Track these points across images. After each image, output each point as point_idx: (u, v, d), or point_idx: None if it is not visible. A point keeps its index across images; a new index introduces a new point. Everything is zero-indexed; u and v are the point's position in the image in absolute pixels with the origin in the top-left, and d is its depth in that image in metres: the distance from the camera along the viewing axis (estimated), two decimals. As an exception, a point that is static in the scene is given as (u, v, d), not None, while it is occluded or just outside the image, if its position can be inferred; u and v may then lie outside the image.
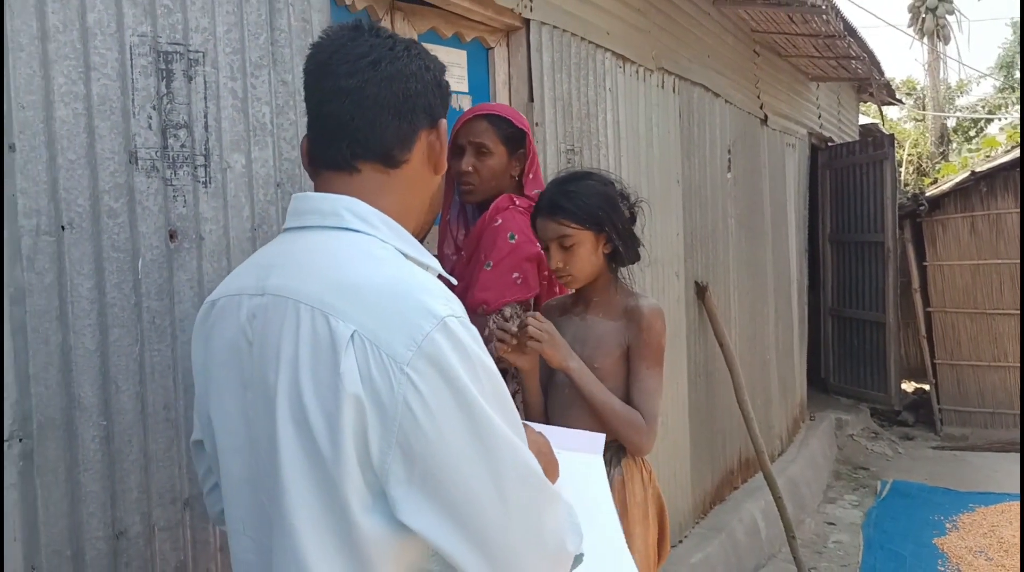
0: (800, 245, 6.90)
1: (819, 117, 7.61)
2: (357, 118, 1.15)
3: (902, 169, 11.84)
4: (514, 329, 1.89)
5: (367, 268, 1.06)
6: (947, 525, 5.30)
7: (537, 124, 2.96)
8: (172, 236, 1.61)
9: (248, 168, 1.76)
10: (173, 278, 1.60)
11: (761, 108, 5.73)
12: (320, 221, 1.13)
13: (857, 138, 8.85)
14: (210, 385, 1.15)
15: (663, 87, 4.06)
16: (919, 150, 11.91)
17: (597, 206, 1.94)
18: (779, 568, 4.45)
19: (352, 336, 0.99)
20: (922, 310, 7.75)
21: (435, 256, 2.35)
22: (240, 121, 1.75)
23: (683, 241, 4.27)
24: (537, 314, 1.92)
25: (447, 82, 1.25)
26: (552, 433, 1.57)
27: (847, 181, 7.73)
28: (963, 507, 5.60)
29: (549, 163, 3.02)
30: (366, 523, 1.00)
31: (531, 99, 2.95)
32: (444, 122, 1.22)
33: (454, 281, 1.27)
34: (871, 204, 7.44)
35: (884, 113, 13.99)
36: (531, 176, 2.37)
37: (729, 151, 5.06)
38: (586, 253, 1.94)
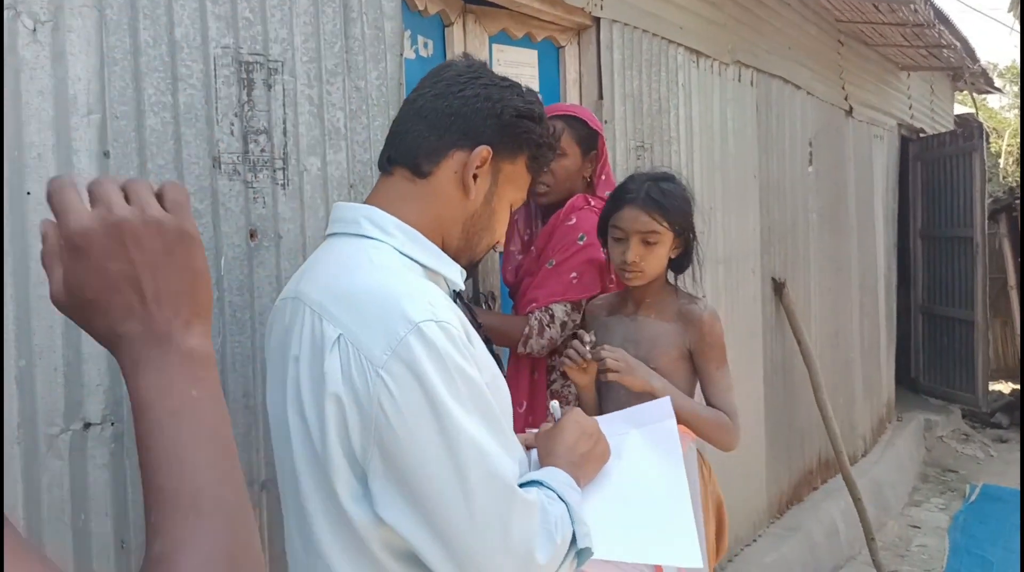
0: (888, 240, 6.71)
1: (910, 107, 7.37)
2: (402, 125, 1.28)
3: (1001, 160, 11.33)
4: (588, 356, 1.88)
5: (362, 274, 1.15)
6: (1040, 532, 5.09)
7: (606, 121, 2.99)
8: (252, 235, 1.71)
9: (323, 171, 1.85)
10: (253, 274, 1.70)
11: (846, 99, 5.60)
12: (343, 228, 1.25)
13: (952, 128, 8.53)
14: (269, 375, 1.25)
15: (739, 81, 4.03)
16: (1020, 140, 11.36)
17: (686, 212, 1.99)
18: (858, 570, 4.37)
19: (338, 338, 1.09)
20: (1018, 308, 7.42)
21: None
22: (316, 126, 1.85)
23: (759, 237, 4.23)
24: (608, 347, 1.89)
25: (526, 125, 1.30)
26: (619, 416, 1.61)
27: (938, 173, 7.48)
28: (1059, 514, 5.38)
29: (619, 160, 3.05)
30: (354, 510, 1.10)
31: (600, 97, 2.97)
32: (486, 151, 1.26)
33: (461, 285, 1.32)
34: (961, 197, 7.18)
35: (985, 102, 13.42)
36: (603, 177, 2.41)
37: (810, 144, 4.97)
38: (663, 253, 1.96)
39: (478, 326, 1.88)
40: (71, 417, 1.39)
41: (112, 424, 1.45)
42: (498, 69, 2.91)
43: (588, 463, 1.34)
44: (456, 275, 1.28)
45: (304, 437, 1.14)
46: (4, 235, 1.32)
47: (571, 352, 1.90)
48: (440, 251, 1.27)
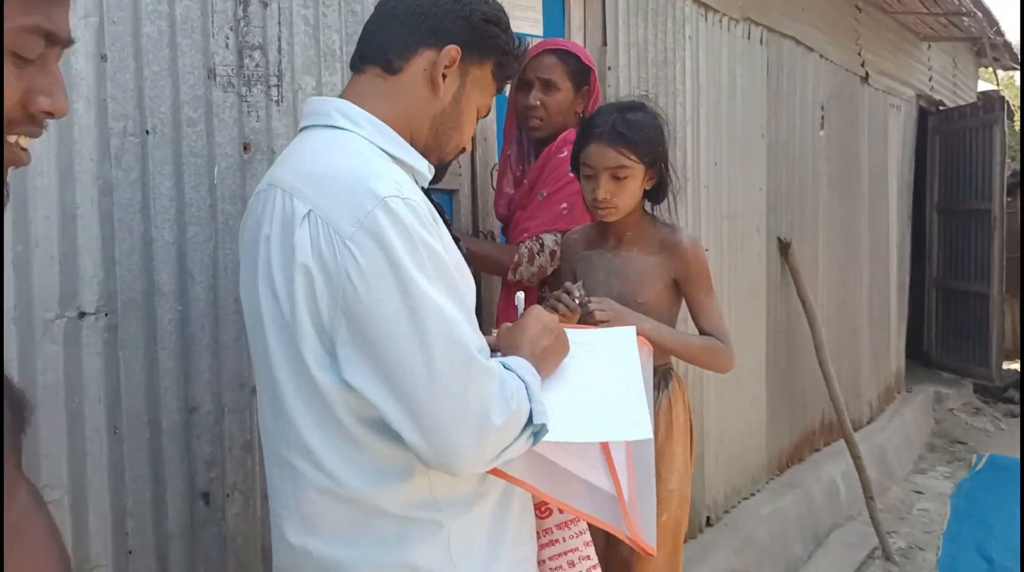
0: (903, 212, 6.67)
1: (930, 79, 7.29)
2: (373, 24, 1.33)
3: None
4: (574, 306, 1.86)
5: (332, 158, 1.21)
6: (1045, 500, 5.09)
7: (610, 68, 3.02)
8: (246, 148, 1.77)
9: (318, 90, 1.90)
10: (246, 186, 1.76)
11: (862, 66, 5.56)
12: (316, 120, 1.30)
13: (980, 101, 8.42)
14: (242, 268, 1.31)
15: (749, 38, 4.03)
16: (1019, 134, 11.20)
17: (656, 142, 1.93)
18: (857, 529, 4.40)
19: (307, 214, 1.15)
20: (1034, 284, 7.37)
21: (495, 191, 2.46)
22: (311, 47, 1.90)
23: (766, 196, 4.24)
24: (595, 298, 1.87)
25: (492, 30, 1.34)
26: (584, 330, 1.66)
27: (956, 147, 7.41)
28: (1065, 485, 5.37)
29: (622, 107, 3.07)
30: (322, 378, 1.16)
31: (604, 43, 3.00)
32: (454, 51, 1.31)
33: (428, 177, 1.36)
34: (980, 171, 7.12)
35: (1012, 80, 13.22)
36: (594, 112, 2.44)
37: (822, 108, 4.95)
38: (635, 187, 1.92)
39: (448, 225, 1.96)
40: (66, 305, 1.46)
41: (106, 315, 1.52)
42: (501, 12, 2.93)
43: (549, 356, 1.39)
44: (423, 167, 1.33)
45: (274, 310, 1.19)
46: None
47: (559, 305, 1.89)
48: (408, 144, 1.31)
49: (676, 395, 2.04)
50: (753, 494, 4.16)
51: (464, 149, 1.46)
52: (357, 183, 1.15)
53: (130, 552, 1.57)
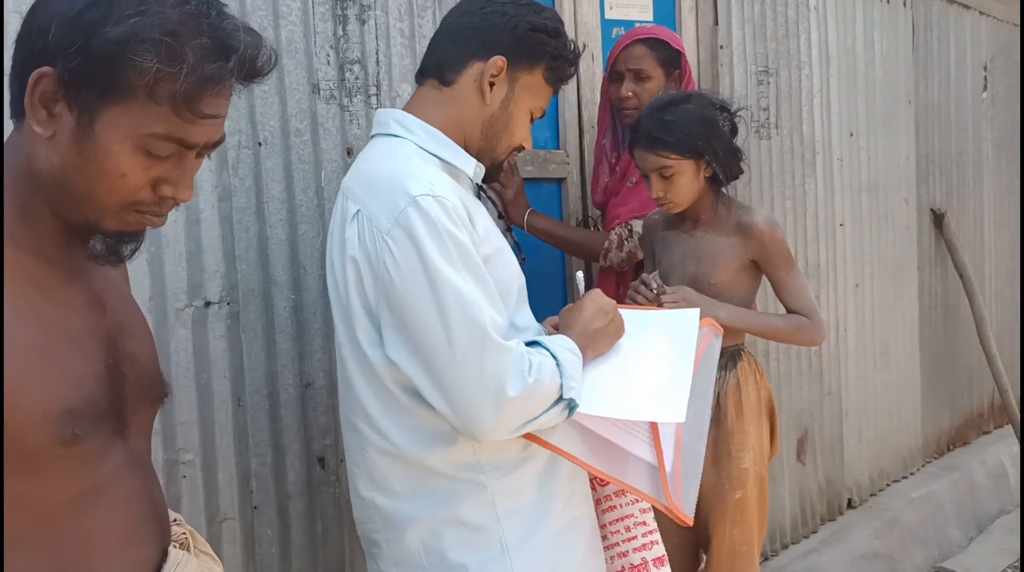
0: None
1: None
2: (433, 42, 1.50)
3: None
4: (651, 296, 1.93)
5: (380, 162, 1.40)
6: None
7: (722, 47, 3.02)
8: (349, 152, 1.98)
9: (414, 95, 2.08)
10: (349, 186, 1.96)
11: (1035, 18, 5.12)
12: (380, 130, 1.49)
13: None
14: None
15: (889, 3, 3.85)
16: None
17: (696, 135, 1.93)
18: (1028, 516, 4.13)
19: (356, 213, 1.33)
20: None
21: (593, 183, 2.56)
22: (408, 56, 2.08)
23: (915, 165, 4.04)
24: (669, 289, 1.95)
25: (539, 37, 1.47)
26: (648, 311, 1.75)
27: None
28: None
29: (737, 86, 3.07)
30: (371, 353, 1.35)
31: (716, 22, 3.00)
32: (501, 61, 1.44)
33: (470, 174, 1.49)
34: None
35: None
36: (690, 94, 2.48)
37: (985, 68, 4.63)
38: (687, 181, 1.95)
39: (502, 217, 2.10)
40: (194, 295, 1.72)
41: (228, 303, 1.78)
42: (610, 1, 3.02)
43: (602, 336, 1.49)
44: (469, 168, 1.47)
45: (336, 296, 1.41)
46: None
47: (638, 296, 1.97)
48: (458, 147, 1.46)
49: (746, 375, 2.06)
50: (905, 477, 4.01)
51: (523, 147, 1.59)
52: (395, 184, 1.32)
53: (255, 507, 1.82)
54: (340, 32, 1.96)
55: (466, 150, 1.49)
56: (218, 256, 1.76)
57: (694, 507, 1.48)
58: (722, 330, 1.77)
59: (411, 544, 1.41)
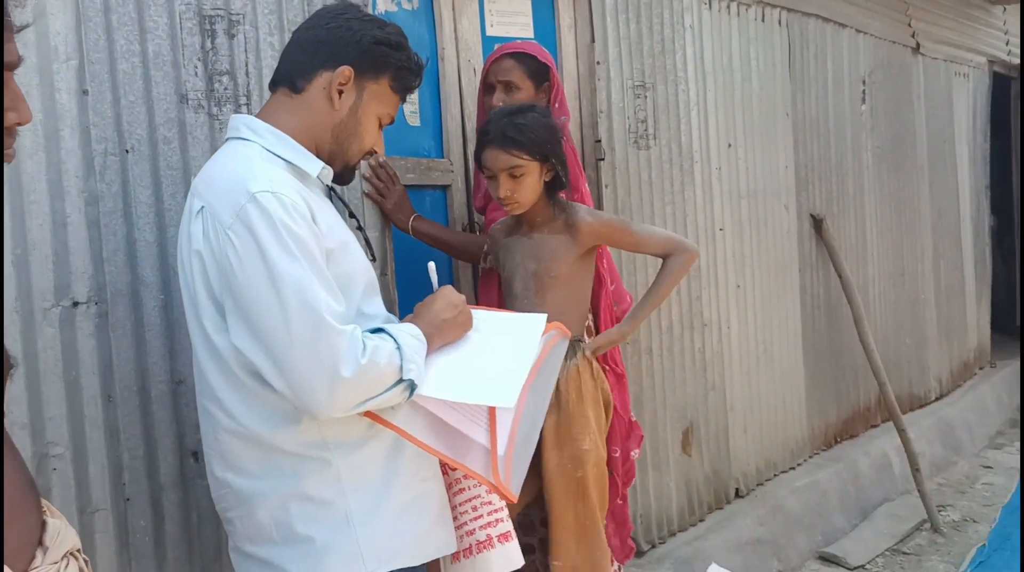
0: (978, 182, 6.47)
1: (1007, 43, 7.02)
2: (283, 53, 1.63)
3: None
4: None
5: (225, 163, 1.51)
6: (1125, 474, 4.88)
7: (599, 63, 3.20)
8: (219, 159, 2.07)
9: (286, 105, 2.19)
10: (220, 191, 2.06)
11: (912, 36, 5.47)
12: (231, 134, 1.60)
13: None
14: None
15: (763, 21, 4.10)
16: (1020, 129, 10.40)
17: (545, 139, 2.12)
18: (908, 503, 4.38)
19: (200, 209, 1.45)
20: None
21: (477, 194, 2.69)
22: (278, 68, 2.19)
23: (794, 173, 4.29)
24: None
25: (382, 50, 1.60)
26: (500, 314, 1.88)
27: (1042, 111, 7.09)
28: None
29: (615, 99, 3.25)
30: (218, 340, 1.46)
31: (592, 40, 3.18)
32: (348, 71, 1.57)
33: (316, 175, 1.60)
34: (1068, 134, 6.80)
35: None
36: (557, 105, 2.63)
37: (864, 83, 4.93)
38: (533, 182, 2.13)
39: (352, 214, 2.22)
40: (61, 296, 1.80)
41: (96, 303, 1.86)
42: (491, 19, 3.17)
43: (449, 328, 1.63)
44: (314, 169, 1.58)
45: (186, 287, 1.52)
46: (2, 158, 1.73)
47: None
48: (303, 149, 1.57)
49: (583, 365, 2.23)
50: (793, 468, 4.22)
51: (374, 151, 1.72)
52: (236, 182, 1.43)
53: (128, 499, 1.89)
54: (208, 45, 2.06)
55: (318, 154, 1.60)
56: (85, 258, 1.84)
57: (520, 488, 1.62)
58: (570, 333, 1.93)
59: (262, 519, 1.51)
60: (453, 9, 2.88)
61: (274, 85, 1.64)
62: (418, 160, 2.76)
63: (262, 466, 1.49)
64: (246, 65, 2.13)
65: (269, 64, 2.16)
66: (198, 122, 2.04)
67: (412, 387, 1.47)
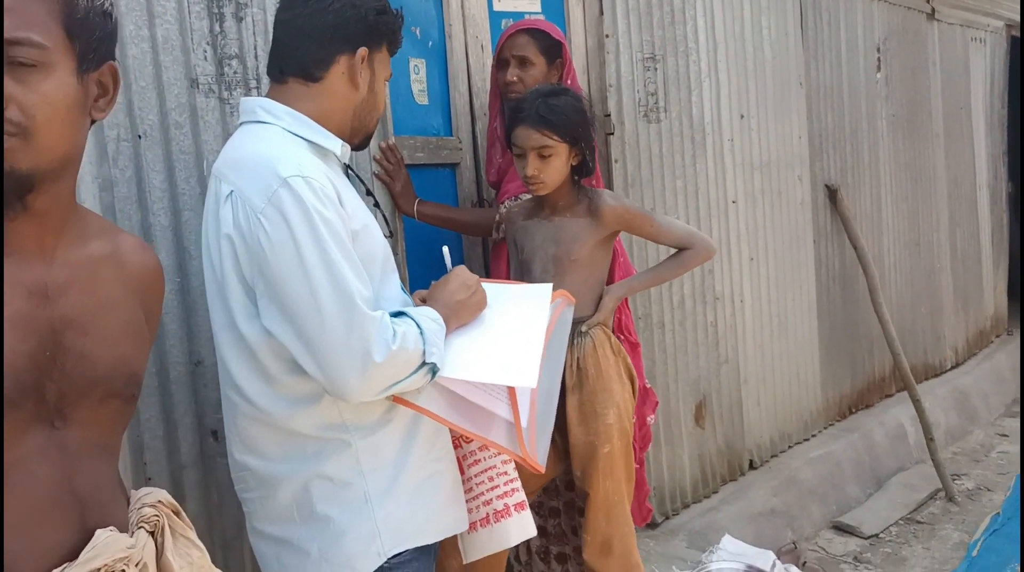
0: (995, 149, 6.40)
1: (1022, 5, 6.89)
2: (288, 43, 1.59)
3: None
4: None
5: (250, 146, 1.50)
6: None
7: (608, 36, 3.18)
8: (231, 142, 2.09)
9: (295, 87, 2.20)
10: (232, 175, 2.08)
11: (928, 1, 5.39)
12: (246, 117, 1.59)
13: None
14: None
15: (775, -11, 4.05)
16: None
17: (577, 122, 2.15)
18: (923, 472, 4.39)
19: (229, 194, 1.44)
20: None
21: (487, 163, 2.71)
22: (287, 50, 2.20)
23: (807, 144, 4.26)
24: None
25: (384, 20, 1.61)
26: (507, 285, 1.90)
27: (1061, 75, 6.98)
28: None
29: (623, 72, 3.24)
30: (245, 327, 1.46)
31: (601, 12, 3.16)
32: (364, 51, 1.58)
33: (338, 152, 1.61)
34: (1087, 98, 6.70)
35: None
36: (568, 82, 2.64)
37: (878, 50, 4.87)
38: (560, 164, 2.15)
39: (370, 193, 2.21)
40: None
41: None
42: (499, -9, 3.15)
43: (464, 309, 1.64)
44: (337, 148, 1.59)
45: (211, 274, 1.52)
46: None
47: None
48: (323, 129, 1.57)
49: (600, 339, 2.24)
50: (807, 439, 4.24)
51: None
52: (266, 166, 1.43)
53: (149, 478, 1.94)
54: (217, 29, 2.07)
55: (339, 135, 1.60)
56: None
57: (546, 457, 1.64)
58: (575, 300, 1.95)
59: (283, 500, 1.54)
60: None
61: (281, 74, 1.61)
62: (427, 139, 2.76)
63: (282, 449, 1.52)
64: (255, 48, 2.13)
65: (278, 46, 2.17)
66: (209, 106, 2.05)
67: (434, 370, 1.49)
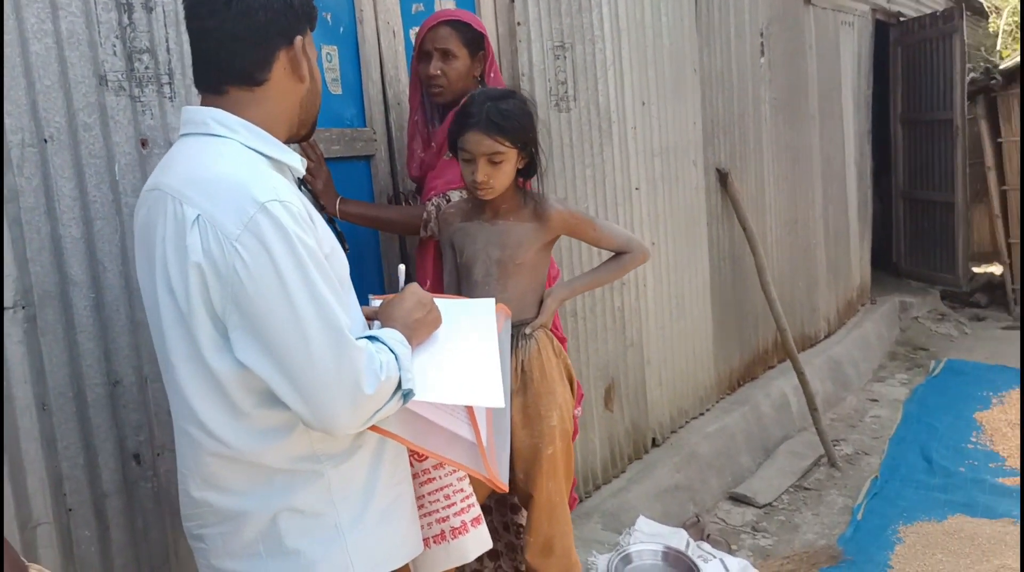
0: (861, 127, 6.78)
1: (887, -9, 7.30)
2: (220, 51, 1.44)
3: (999, 40, 11.10)
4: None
5: (214, 165, 1.37)
6: (993, 400, 5.33)
7: (519, 24, 3.15)
8: (144, 144, 1.95)
9: (211, 83, 2.06)
10: (146, 178, 1.93)
11: (805, -13, 5.62)
12: (194, 129, 1.45)
13: (943, 9, 8.41)
14: (138, 259, 1.50)
15: (672, -24, 4.11)
16: (1018, 18, 11.05)
17: (527, 127, 2.12)
18: (806, 439, 4.66)
19: (196, 218, 1.32)
20: (997, 188, 7.50)
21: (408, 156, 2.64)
22: (201, 42, 2.05)
23: (701, 129, 4.38)
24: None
25: (305, 2, 1.49)
26: (451, 300, 1.87)
27: (918, 58, 7.47)
28: (1016, 383, 5.59)
29: (535, 60, 3.22)
30: (214, 360, 1.36)
31: (512, 0, 3.12)
32: (300, 39, 1.47)
33: (302, 171, 1.54)
34: (941, 81, 7.20)
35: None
36: (492, 75, 2.59)
37: (762, 35, 5.04)
38: (510, 169, 2.12)
39: (320, 208, 2.11)
40: (-16, 302, 1.67)
41: (23, 307, 1.73)
42: (410, -22, 3.04)
43: (421, 327, 1.60)
44: (297, 162, 1.50)
45: (170, 304, 1.38)
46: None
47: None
48: (282, 144, 1.48)
49: (544, 342, 2.25)
50: (702, 414, 4.42)
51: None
52: (240, 189, 1.32)
53: (70, 509, 1.81)
54: (126, 21, 1.91)
55: (289, 134, 1.51)
56: (8, 260, 1.70)
57: (507, 475, 1.63)
58: (510, 313, 1.94)
59: (248, 535, 1.46)
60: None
61: (219, 84, 1.47)
62: (342, 131, 2.66)
63: (249, 483, 1.44)
64: (166, 41, 1.99)
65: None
66: (120, 105, 1.90)
67: (407, 396, 1.45)
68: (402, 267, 1.79)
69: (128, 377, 1.91)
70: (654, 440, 3.98)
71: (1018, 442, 4.56)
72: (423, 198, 2.56)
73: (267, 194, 1.32)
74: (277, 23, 1.45)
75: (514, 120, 2.07)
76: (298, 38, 1.47)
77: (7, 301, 1.71)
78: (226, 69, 1.45)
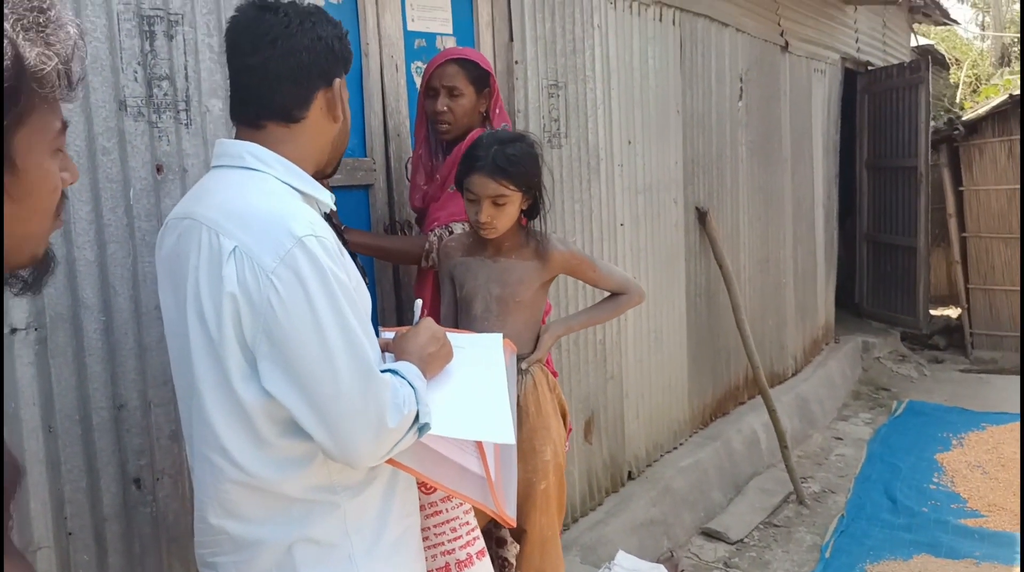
0: (829, 171, 6.97)
1: (856, 41, 7.55)
2: (262, 88, 1.48)
3: (959, 91, 11.50)
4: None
5: (252, 198, 1.41)
6: (953, 441, 5.48)
7: (517, 62, 3.22)
8: (159, 169, 1.96)
9: (225, 111, 2.08)
10: (160, 204, 1.95)
11: (781, 35, 5.79)
12: (230, 162, 1.48)
13: (901, 61, 8.71)
14: (159, 286, 1.52)
15: (660, 20, 4.23)
16: (977, 71, 11.51)
17: (534, 172, 2.17)
18: (775, 476, 4.74)
19: (233, 250, 1.35)
20: (957, 235, 7.74)
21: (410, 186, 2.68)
22: (217, 71, 2.08)
23: (682, 169, 4.49)
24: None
25: (344, 43, 1.55)
26: (461, 334, 1.91)
27: (885, 106, 7.72)
28: (975, 425, 5.76)
29: (531, 98, 3.29)
30: (242, 389, 1.38)
31: (511, 39, 3.19)
32: (339, 81, 1.52)
33: (332, 206, 1.58)
34: (906, 129, 7.44)
35: (946, 30, 13.51)
36: (497, 111, 2.65)
37: (741, 79, 5.19)
38: (513, 210, 2.16)
39: (345, 242, 2.16)
40: (-2, 323, 1.67)
41: (36, 329, 1.73)
42: (411, 13, 3.12)
43: (434, 361, 1.63)
44: (326, 197, 1.54)
45: (201, 332, 1.39)
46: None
47: None
48: (314, 180, 1.51)
49: (539, 377, 2.30)
50: (676, 448, 4.48)
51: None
52: (277, 223, 1.35)
53: (70, 533, 1.80)
54: (148, 48, 1.93)
55: (316, 170, 1.54)
56: (23, 281, 1.70)
57: (515, 509, 1.66)
58: (516, 348, 1.98)
59: (263, 564, 1.47)
60: (376, 3, 2.81)
61: (258, 119, 1.50)
62: (344, 160, 2.66)
63: (268, 512, 1.45)
64: (185, 68, 2.01)
65: (208, 67, 2.06)
66: (138, 131, 1.91)
67: (423, 428, 1.48)
68: (419, 302, 1.83)
69: (133, 401, 1.91)
70: (630, 473, 4.03)
71: (978, 485, 4.69)
72: (426, 228, 2.60)
73: (304, 229, 1.35)
74: (318, 65, 1.49)
75: (520, 165, 2.12)
76: (336, 80, 1.52)
77: (19, 323, 1.70)
78: (266, 105, 1.49)
